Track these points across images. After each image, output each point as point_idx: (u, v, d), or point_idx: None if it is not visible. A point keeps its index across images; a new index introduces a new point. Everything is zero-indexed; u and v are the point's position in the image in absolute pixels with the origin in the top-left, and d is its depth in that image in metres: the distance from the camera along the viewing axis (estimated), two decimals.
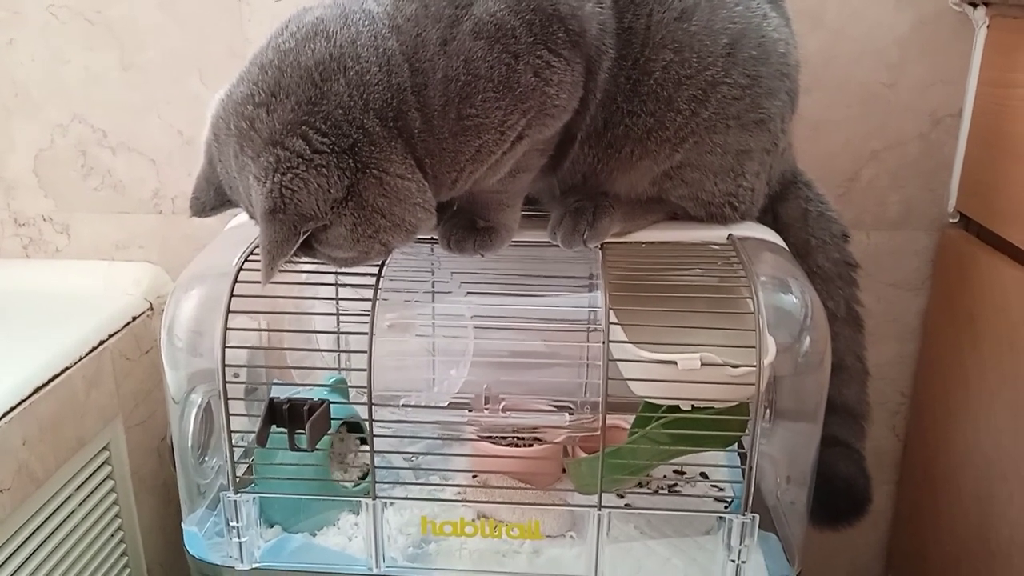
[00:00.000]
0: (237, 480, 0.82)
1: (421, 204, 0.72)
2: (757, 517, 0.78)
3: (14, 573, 0.95)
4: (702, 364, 0.73)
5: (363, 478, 0.90)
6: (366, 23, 0.71)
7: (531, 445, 0.96)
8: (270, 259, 0.68)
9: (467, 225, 0.82)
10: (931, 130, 1.15)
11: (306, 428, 0.75)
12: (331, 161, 0.68)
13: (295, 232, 0.68)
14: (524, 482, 0.91)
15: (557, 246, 0.85)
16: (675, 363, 0.73)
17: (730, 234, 0.85)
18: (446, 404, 0.94)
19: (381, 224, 0.71)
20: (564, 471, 0.94)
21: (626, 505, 0.88)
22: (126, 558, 1.19)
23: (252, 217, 0.74)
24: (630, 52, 0.79)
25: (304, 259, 0.74)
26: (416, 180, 0.72)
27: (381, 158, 0.70)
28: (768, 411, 0.82)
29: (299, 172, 0.67)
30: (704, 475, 0.94)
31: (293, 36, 0.71)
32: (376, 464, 0.81)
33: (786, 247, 0.88)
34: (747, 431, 0.76)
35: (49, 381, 1.01)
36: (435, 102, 0.71)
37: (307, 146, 0.68)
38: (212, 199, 0.78)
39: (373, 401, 0.77)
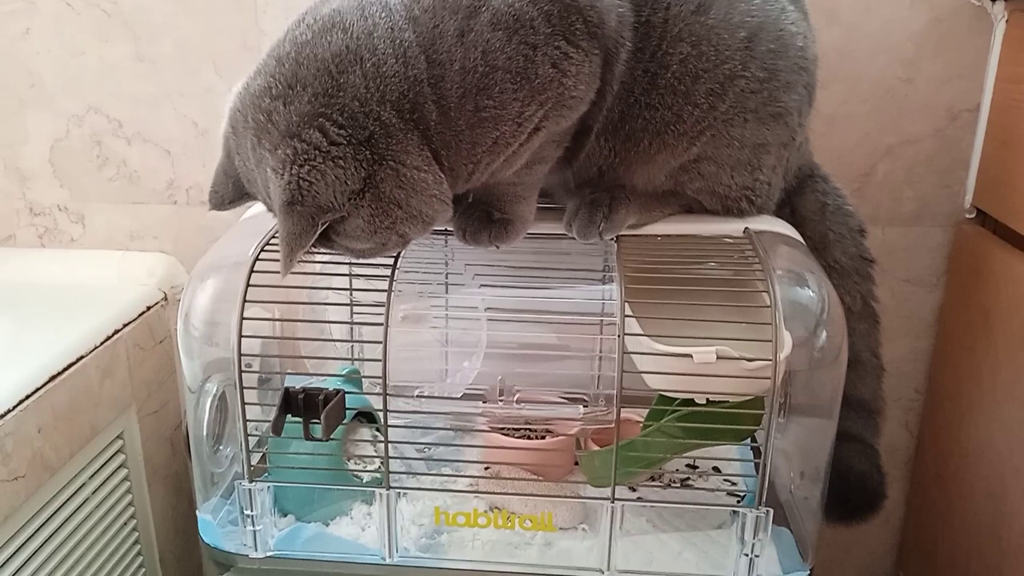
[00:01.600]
0: (252, 469, 0.82)
1: (438, 196, 0.72)
2: (771, 511, 0.77)
3: (28, 560, 0.96)
4: (718, 357, 0.73)
5: (376, 468, 0.90)
6: (383, 15, 0.71)
7: (543, 437, 0.96)
8: (289, 251, 0.68)
9: (483, 217, 0.82)
10: (947, 125, 1.14)
11: (321, 417, 0.75)
12: (348, 153, 0.68)
13: (313, 224, 0.68)
14: (536, 474, 0.91)
15: (572, 238, 0.85)
16: (691, 356, 0.73)
17: (746, 227, 0.85)
18: (460, 395, 0.94)
19: (398, 215, 0.71)
20: (576, 464, 0.95)
21: (638, 498, 0.88)
22: (139, 546, 1.20)
23: (270, 210, 0.74)
24: (647, 45, 0.79)
25: (322, 251, 0.74)
26: (432, 172, 0.72)
27: (398, 150, 0.70)
28: (783, 406, 0.82)
29: (316, 164, 0.67)
30: (717, 469, 0.93)
31: (310, 28, 0.71)
32: (390, 455, 0.81)
33: (802, 241, 0.88)
34: (762, 425, 0.76)
35: (64, 370, 1.02)
36: (452, 94, 0.71)
37: (324, 138, 0.68)
38: (231, 192, 0.78)
39: (387, 392, 0.78)
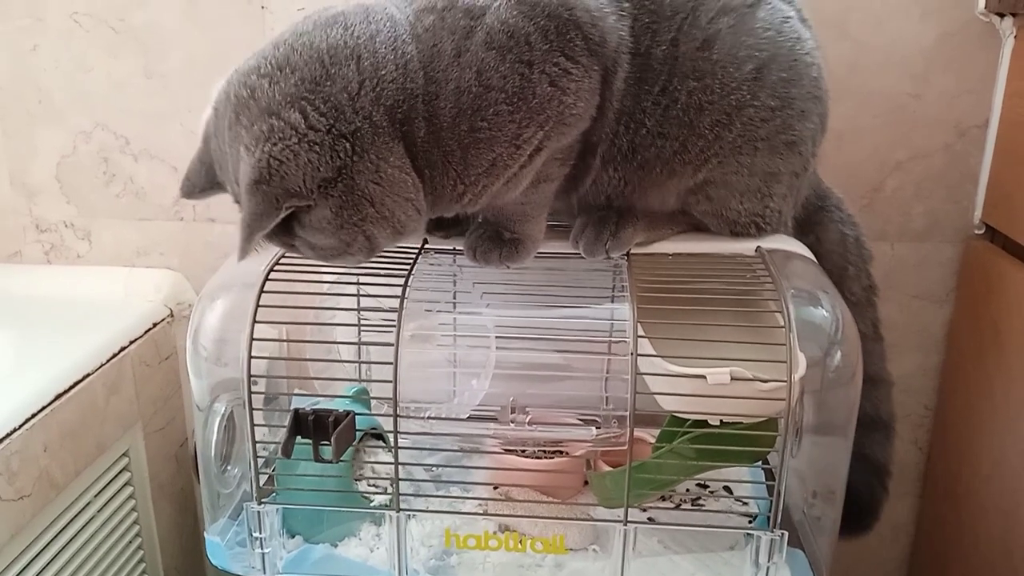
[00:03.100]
0: (260, 491, 0.82)
1: (414, 201, 0.72)
2: (786, 534, 0.77)
3: None
4: (732, 379, 0.72)
5: (384, 490, 0.90)
6: (387, 24, 0.71)
7: (552, 457, 0.95)
8: (248, 232, 0.67)
9: (493, 237, 0.81)
10: (957, 141, 1.14)
11: (331, 439, 0.74)
12: (326, 140, 0.67)
13: (277, 206, 0.67)
14: (546, 494, 0.90)
15: (582, 257, 0.84)
16: (704, 377, 0.72)
17: (759, 246, 0.84)
18: (466, 416, 0.93)
19: (369, 213, 0.70)
20: (586, 483, 0.94)
21: (649, 519, 0.87)
22: (144, 564, 1.19)
23: (236, 200, 0.72)
24: (654, 77, 0.79)
25: (279, 243, 0.73)
26: (412, 178, 0.71)
27: (381, 147, 0.69)
28: (797, 428, 0.81)
29: (290, 144, 0.67)
30: (728, 489, 0.93)
31: (312, 22, 0.72)
32: (400, 476, 0.80)
33: (814, 259, 0.87)
34: (776, 447, 0.75)
35: (70, 388, 1.02)
36: (445, 113, 0.71)
37: (303, 120, 0.67)
38: (203, 181, 0.77)
39: (398, 414, 0.77)
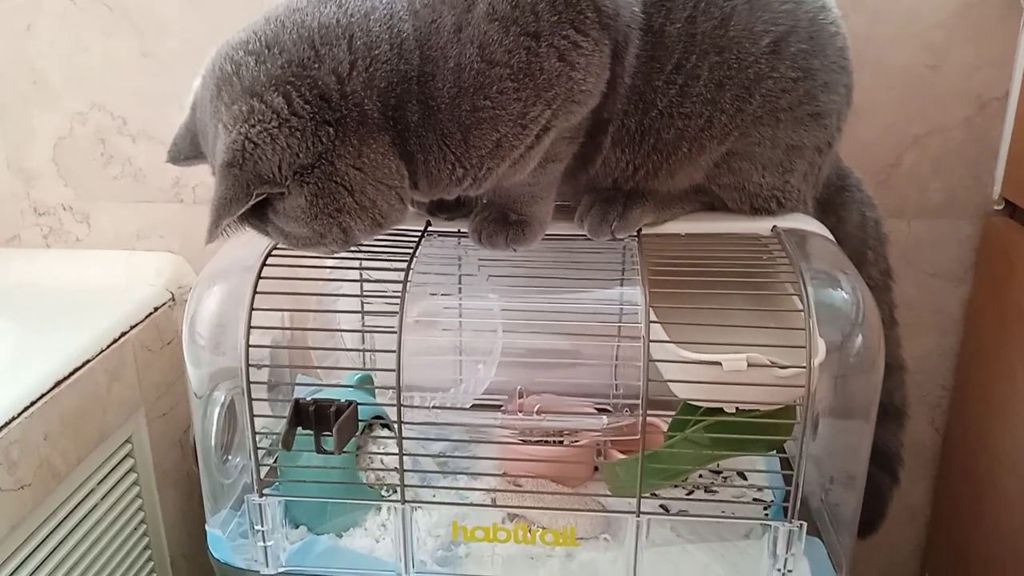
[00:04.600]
0: (261, 483, 0.80)
1: (398, 190, 0.69)
2: (804, 525, 0.74)
3: (36, 569, 0.94)
4: (748, 365, 0.70)
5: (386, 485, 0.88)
6: (384, 0, 0.68)
7: (561, 443, 0.93)
8: (216, 216, 0.65)
9: (499, 219, 0.79)
10: (976, 114, 1.10)
11: (333, 431, 0.72)
12: (308, 127, 0.65)
13: (247, 192, 0.64)
14: (554, 480, 0.88)
15: (591, 239, 0.82)
16: (720, 364, 0.70)
17: (775, 226, 0.82)
18: (469, 405, 0.91)
19: (346, 203, 0.67)
20: (596, 469, 0.92)
21: (661, 507, 0.85)
22: (149, 551, 1.18)
23: (213, 173, 0.70)
24: (666, 56, 0.76)
25: (250, 227, 0.71)
26: (397, 164, 0.68)
27: (365, 134, 0.66)
28: (815, 415, 0.79)
29: (269, 128, 0.64)
30: (742, 475, 0.90)
31: None
32: (404, 466, 0.78)
33: (833, 239, 0.85)
34: (793, 435, 0.73)
35: (71, 374, 0.99)
36: (443, 94, 0.67)
37: (286, 106, 0.65)
38: (187, 148, 0.75)
39: (401, 401, 0.75)
